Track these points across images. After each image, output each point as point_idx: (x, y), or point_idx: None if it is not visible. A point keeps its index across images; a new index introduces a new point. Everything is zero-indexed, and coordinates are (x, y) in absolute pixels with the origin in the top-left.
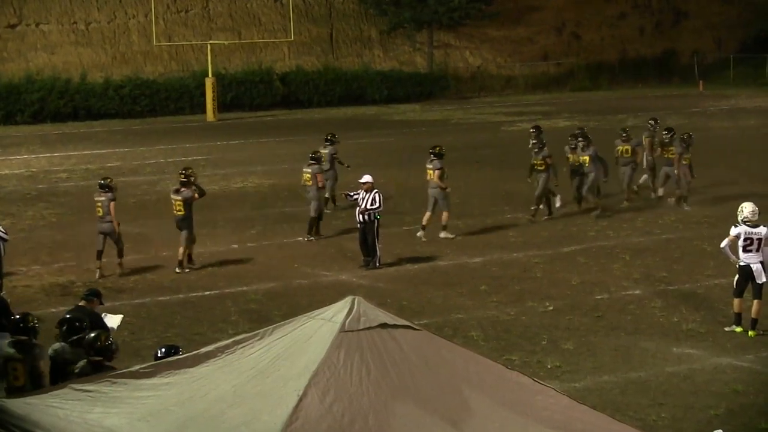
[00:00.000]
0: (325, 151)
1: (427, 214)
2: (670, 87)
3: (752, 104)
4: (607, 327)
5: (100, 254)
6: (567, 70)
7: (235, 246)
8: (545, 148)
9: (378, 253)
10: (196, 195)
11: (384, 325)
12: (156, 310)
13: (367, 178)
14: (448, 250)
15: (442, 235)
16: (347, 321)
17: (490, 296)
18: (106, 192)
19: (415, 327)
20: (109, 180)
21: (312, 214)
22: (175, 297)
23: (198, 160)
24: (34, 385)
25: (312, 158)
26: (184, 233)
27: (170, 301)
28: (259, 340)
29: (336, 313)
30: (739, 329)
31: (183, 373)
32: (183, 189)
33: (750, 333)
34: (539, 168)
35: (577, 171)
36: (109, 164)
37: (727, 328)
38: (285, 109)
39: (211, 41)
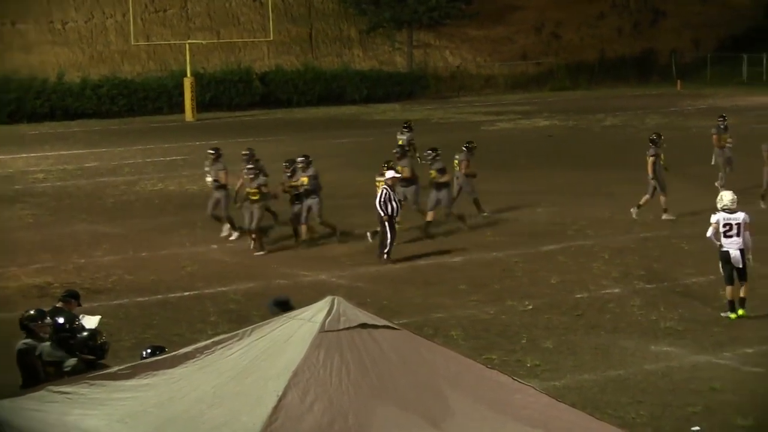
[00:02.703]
0: (403, 137)
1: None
2: (649, 86)
3: (729, 103)
4: (587, 325)
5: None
6: (546, 70)
7: (215, 246)
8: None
9: (389, 247)
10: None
11: (364, 325)
12: (134, 311)
13: (390, 173)
14: (427, 249)
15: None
16: (327, 321)
17: (469, 295)
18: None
19: (394, 327)
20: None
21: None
22: (154, 298)
23: (177, 161)
24: None
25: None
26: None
27: (149, 301)
28: (238, 340)
29: (316, 313)
30: (733, 316)
31: (162, 374)
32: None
33: (740, 311)
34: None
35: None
36: (86, 164)
37: (722, 314)
38: (264, 108)
39: (189, 41)
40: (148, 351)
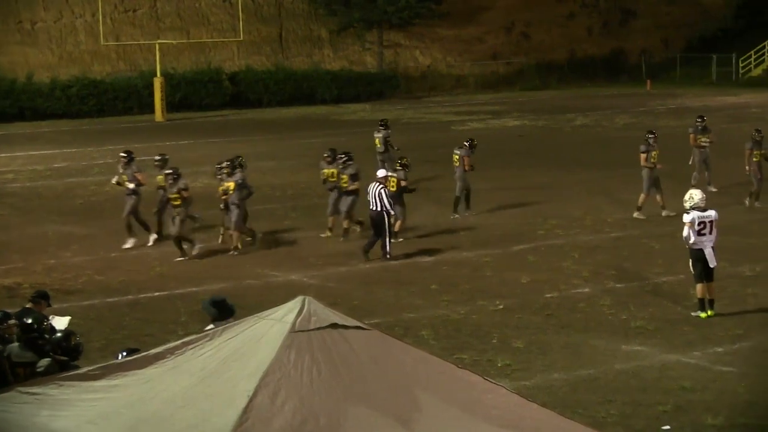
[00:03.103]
0: (379, 135)
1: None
2: (619, 86)
3: (699, 103)
4: (557, 325)
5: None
6: (516, 70)
7: (185, 246)
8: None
9: (386, 246)
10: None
11: (335, 325)
12: (105, 311)
13: (381, 172)
14: (398, 250)
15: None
16: (298, 321)
17: (440, 295)
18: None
19: (365, 327)
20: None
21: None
22: (125, 298)
23: (147, 161)
24: None
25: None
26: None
27: (119, 302)
28: (209, 341)
29: (286, 313)
30: (703, 315)
31: (132, 375)
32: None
33: (710, 312)
34: (344, 186)
35: (334, 187)
36: (56, 165)
37: (693, 313)
38: (234, 108)
39: (159, 41)
40: (124, 354)
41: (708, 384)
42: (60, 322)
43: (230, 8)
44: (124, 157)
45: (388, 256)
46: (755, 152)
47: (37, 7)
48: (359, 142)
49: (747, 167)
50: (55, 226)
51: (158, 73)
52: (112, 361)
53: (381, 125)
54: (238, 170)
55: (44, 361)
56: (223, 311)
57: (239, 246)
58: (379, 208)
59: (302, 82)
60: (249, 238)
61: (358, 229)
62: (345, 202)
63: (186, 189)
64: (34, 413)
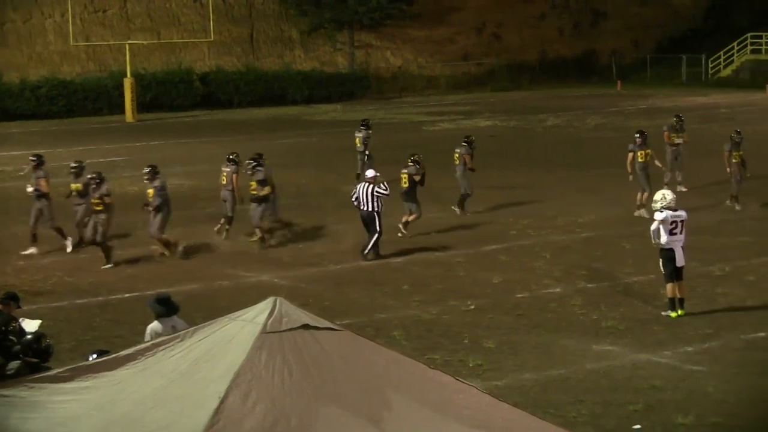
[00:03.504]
0: (360, 135)
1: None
2: (589, 87)
3: (669, 103)
4: (529, 325)
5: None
6: (488, 70)
7: (156, 247)
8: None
9: (370, 243)
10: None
11: (306, 326)
12: (75, 313)
13: (371, 172)
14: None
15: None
16: (269, 322)
17: (412, 296)
18: (231, 165)
19: (337, 328)
20: (235, 155)
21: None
22: (95, 299)
23: (117, 162)
24: None
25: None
26: (406, 205)
27: (89, 303)
28: (179, 342)
29: (258, 314)
30: (674, 314)
31: (102, 377)
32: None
33: (680, 312)
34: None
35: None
36: (25, 166)
37: (663, 313)
38: (205, 109)
39: (129, 41)
40: (94, 356)
41: (678, 383)
42: (30, 325)
43: (201, 9)
44: (33, 160)
45: (367, 254)
46: (734, 153)
47: (6, 8)
48: (330, 142)
49: (728, 168)
50: (24, 227)
51: (128, 74)
52: (82, 363)
53: (362, 125)
54: (157, 177)
55: (14, 364)
56: (168, 308)
57: (166, 253)
58: (369, 208)
59: (273, 83)
60: (163, 251)
61: (267, 237)
62: (256, 210)
63: (108, 195)
64: (4, 415)
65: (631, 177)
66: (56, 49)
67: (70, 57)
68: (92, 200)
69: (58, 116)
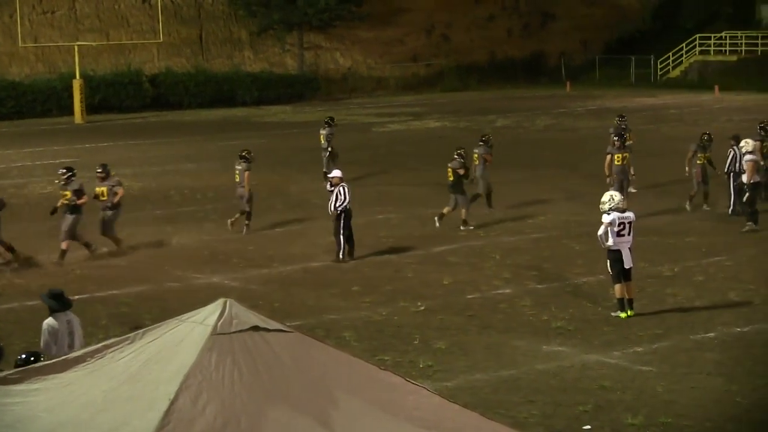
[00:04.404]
0: (323, 132)
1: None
2: (539, 88)
3: (618, 104)
4: (479, 326)
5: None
6: (437, 71)
7: (105, 249)
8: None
9: (339, 247)
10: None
11: (256, 328)
12: (25, 314)
13: (336, 173)
14: (319, 251)
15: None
16: (219, 324)
17: (362, 297)
18: (244, 162)
19: (287, 329)
20: (247, 152)
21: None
22: None
23: (67, 163)
24: None
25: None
26: (454, 197)
27: (39, 305)
28: (129, 344)
29: (207, 315)
30: (623, 315)
31: (52, 379)
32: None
33: (629, 312)
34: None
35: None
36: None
37: (613, 313)
38: (155, 110)
39: (78, 42)
40: (23, 357)
41: (628, 383)
42: None
43: (149, 9)
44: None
45: (340, 257)
46: (699, 155)
47: None
48: (280, 143)
49: (687, 168)
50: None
51: (77, 75)
52: (31, 366)
53: (326, 122)
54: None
55: None
56: (61, 303)
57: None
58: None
59: (223, 84)
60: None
61: (94, 250)
62: (66, 221)
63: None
64: None
65: (608, 180)
66: (4, 50)
67: (19, 58)
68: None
69: (7, 118)
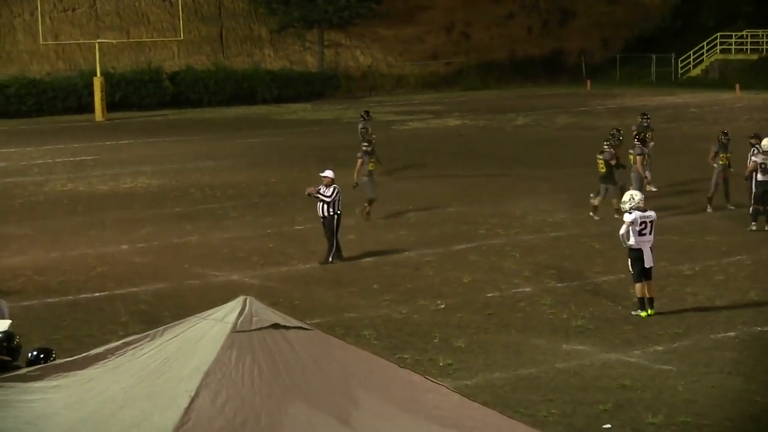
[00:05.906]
0: (360, 124)
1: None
2: (559, 86)
3: (638, 103)
4: (498, 324)
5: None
6: (457, 70)
7: (125, 246)
8: None
9: (332, 248)
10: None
11: (276, 326)
12: (44, 312)
13: (327, 173)
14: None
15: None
16: (239, 321)
17: (382, 295)
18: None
19: (306, 327)
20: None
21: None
22: (64, 299)
23: (86, 161)
24: None
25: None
26: (605, 187)
27: (59, 303)
28: (149, 341)
29: (227, 313)
30: (643, 314)
31: (72, 376)
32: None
33: (650, 311)
34: None
35: None
36: None
37: (633, 312)
38: (175, 108)
39: (99, 40)
40: (34, 353)
41: (647, 382)
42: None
43: (170, 7)
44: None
45: (330, 259)
46: (721, 155)
47: None
48: (299, 141)
49: (713, 165)
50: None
51: (98, 73)
52: (50, 362)
53: (362, 116)
54: None
55: None
56: None
57: None
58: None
59: (242, 82)
60: None
61: None
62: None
63: None
64: None
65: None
66: (25, 48)
67: (40, 56)
68: None
69: (28, 115)
